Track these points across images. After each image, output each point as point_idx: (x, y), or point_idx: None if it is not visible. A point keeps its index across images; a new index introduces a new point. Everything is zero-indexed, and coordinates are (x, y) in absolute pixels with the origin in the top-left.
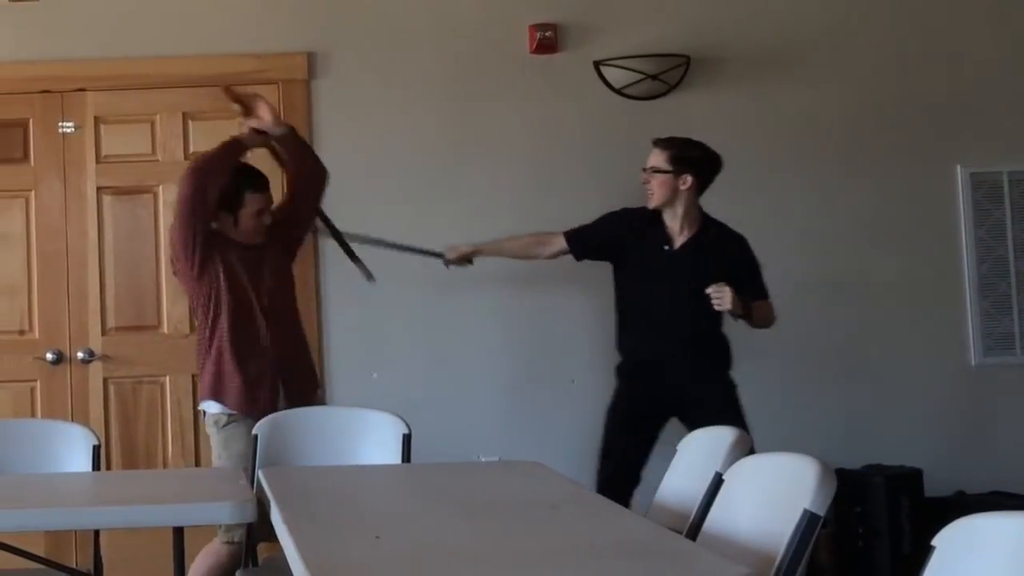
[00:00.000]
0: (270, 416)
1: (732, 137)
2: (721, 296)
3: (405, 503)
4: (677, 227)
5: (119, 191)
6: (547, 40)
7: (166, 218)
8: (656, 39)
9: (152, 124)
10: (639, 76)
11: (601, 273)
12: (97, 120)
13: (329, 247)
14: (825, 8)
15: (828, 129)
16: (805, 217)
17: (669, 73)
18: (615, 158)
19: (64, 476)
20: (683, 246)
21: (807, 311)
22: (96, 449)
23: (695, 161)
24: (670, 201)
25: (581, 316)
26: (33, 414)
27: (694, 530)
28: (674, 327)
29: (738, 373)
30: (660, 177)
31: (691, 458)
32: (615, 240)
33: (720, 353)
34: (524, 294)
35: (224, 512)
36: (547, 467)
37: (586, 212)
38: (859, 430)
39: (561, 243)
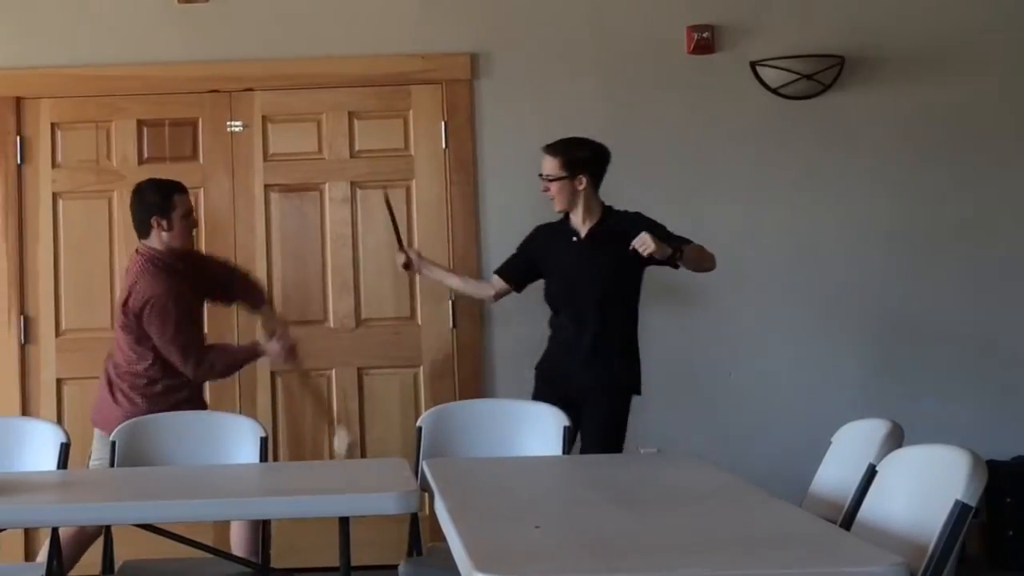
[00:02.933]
0: (433, 409)
1: (886, 135)
2: (643, 241)
3: (565, 494)
4: (580, 221)
5: (286, 188)
6: (704, 41)
7: (332, 214)
8: (811, 39)
9: (318, 123)
10: (794, 76)
11: (767, 273)
12: (265, 119)
13: (487, 245)
14: (977, 6)
15: (982, 126)
16: (958, 213)
17: (824, 73)
18: (771, 157)
19: (232, 468)
20: (587, 234)
21: (960, 303)
22: (263, 441)
23: (586, 161)
24: (572, 202)
25: (742, 309)
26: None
27: (848, 520)
28: (581, 315)
29: (895, 363)
30: (558, 183)
31: (845, 450)
32: (533, 254)
33: (627, 348)
34: (681, 291)
35: (389, 502)
36: (705, 459)
37: (742, 211)
38: (1009, 421)
39: (499, 283)
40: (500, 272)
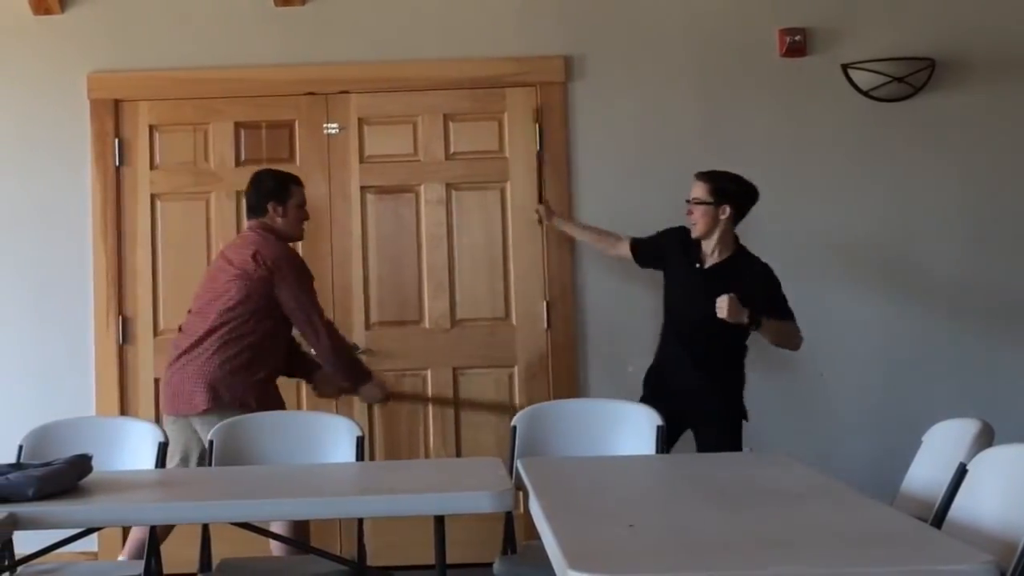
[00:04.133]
0: (529, 408)
1: (976, 137)
2: (721, 302)
3: (659, 492)
4: (710, 250)
5: (382, 190)
6: (796, 44)
7: (428, 216)
8: (902, 42)
9: (414, 125)
10: (886, 79)
11: (860, 274)
12: (361, 121)
13: (584, 245)
14: None
15: None
16: None
17: (915, 76)
18: (863, 159)
19: (329, 467)
20: (712, 266)
21: None
22: (360, 440)
23: (732, 194)
24: (711, 230)
25: (835, 311)
26: (299, 407)
27: (939, 519)
28: (690, 337)
29: (988, 363)
30: (701, 208)
31: (936, 449)
32: (664, 253)
33: (729, 377)
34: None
35: (484, 501)
36: (797, 458)
37: (835, 212)
38: None
39: (626, 249)
40: (635, 241)
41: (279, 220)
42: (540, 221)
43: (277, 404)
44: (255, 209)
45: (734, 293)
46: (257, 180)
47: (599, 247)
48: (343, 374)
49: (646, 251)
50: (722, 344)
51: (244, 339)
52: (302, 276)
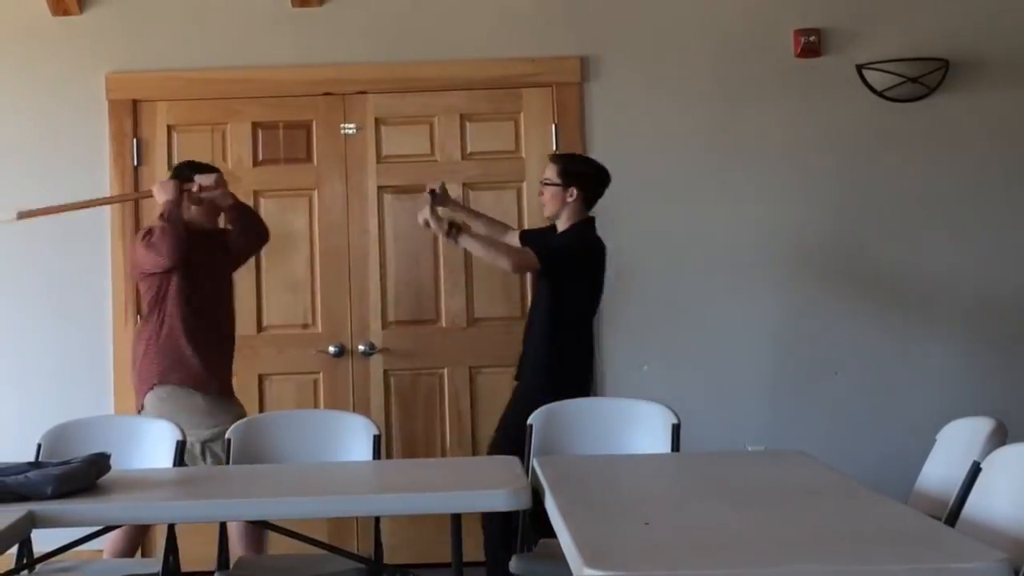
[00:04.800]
0: (545, 407)
1: (990, 139)
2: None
3: (674, 491)
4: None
5: (399, 190)
6: (811, 44)
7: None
8: (916, 43)
9: (431, 125)
10: (900, 79)
11: (873, 273)
12: (378, 121)
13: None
14: None
15: None
16: None
17: (928, 76)
18: (877, 159)
19: (346, 465)
20: None
21: None
22: (376, 439)
23: (580, 175)
24: (558, 211)
25: (847, 309)
26: (316, 405)
27: (953, 517)
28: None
29: (1001, 362)
30: (550, 189)
31: (950, 447)
32: (546, 241)
33: (548, 362)
34: (790, 287)
35: (500, 499)
36: (812, 456)
37: (847, 211)
38: None
39: (515, 238)
40: (524, 232)
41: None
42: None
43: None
44: None
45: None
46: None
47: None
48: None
49: (531, 239)
50: (540, 316)
51: (141, 331)
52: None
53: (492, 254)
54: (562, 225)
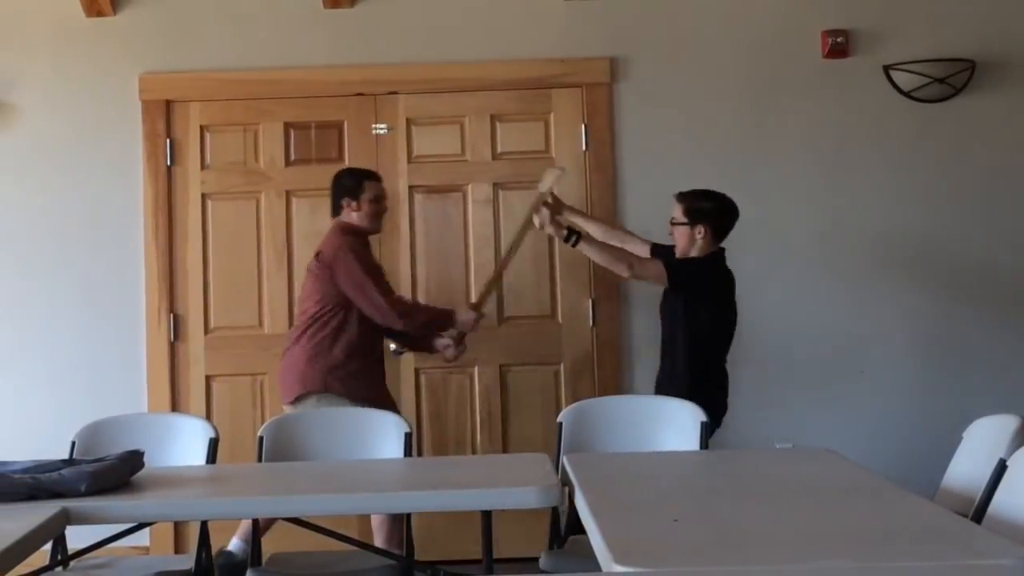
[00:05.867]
0: (573, 405)
1: (1017, 139)
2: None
3: (702, 488)
4: None
5: (429, 189)
6: (839, 45)
7: (475, 215)
8: (942, 44)
9: (461, 125)
10: (926, 80)
11: (900, 272)
12: (409, 122)
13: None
14: None
15: None
16: None
17: (955, 77)
18: (904, 159)
19: (377, 462)
20: None
21: None
22: (408, 436)
23: (707, 213)
24: (687, 249)
25: (875, 309)
26: None
27: (979, 514)
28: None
29: None
30: (679, 229)
31: (976, 445)
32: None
33: (695, 390)
34: (816, 284)
35: (530, 496)
36: (839, 454)
37: (876, 212)
38: None
39: (643, 249)
40: (655, 246)
41: (354, 215)
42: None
43: (376, 395)
44: (333, 209)
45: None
46: (334, 180)
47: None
48: (422, 327)
49: (660, 253)
50: (685, 356)
51: (323, 330)
52: (358, 259)
53: (610, 260)
54: None
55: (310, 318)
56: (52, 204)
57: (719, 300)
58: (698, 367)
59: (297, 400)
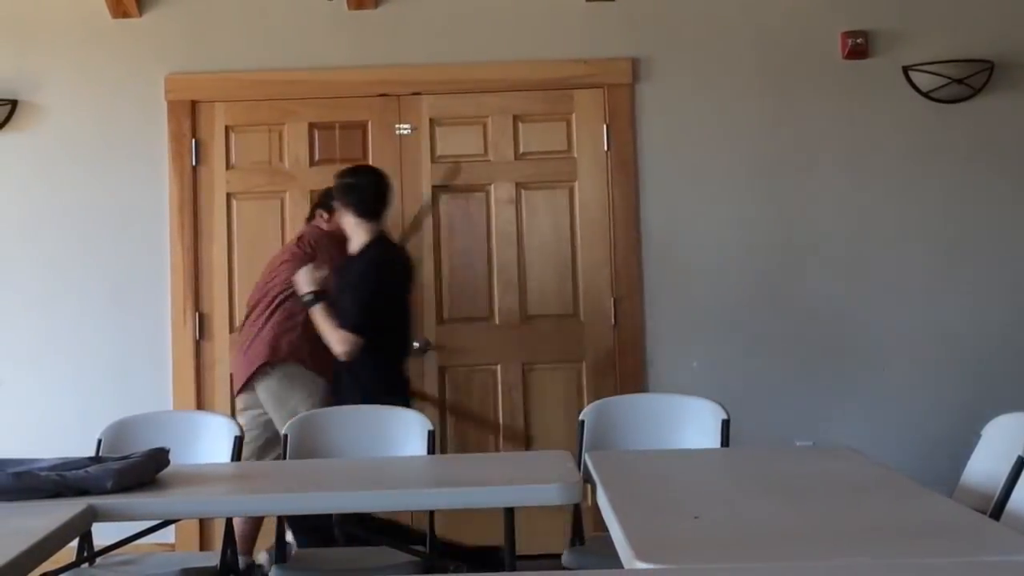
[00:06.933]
0: (595, 403)
1: None
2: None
3: (723, 485)
4: None
5: (453, 189)
6: (858, 46)
7: (498, 214)
8: (962, 45)
9: (484, 126)
10: (945, 80)
11: (919, 273)
12: (432, 122)
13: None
14: None
15: None
16: None
17: (974, 77)
18: (923, 159)
19: (400, 460)
20: None
21: None
22: (431, 434)
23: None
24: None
25: (895, 307)
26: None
27: (997, 510)
28: None
29: None
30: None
31: (995, 442)
32: None
33: None
34: (837, 283)
35: (553, 493)
36: (859, 452)
37: (895, 211)
38: None
39: None
40: None
41: (324, 226)
42: None
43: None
44: (309, 217)
45: None
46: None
47: None
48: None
49: None
50: None
51: (297, 313)
52: (342, 250)
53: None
54: None
55: (275, 303)
56: (79, 204)
57: None
58: None
59: (259, 370)
